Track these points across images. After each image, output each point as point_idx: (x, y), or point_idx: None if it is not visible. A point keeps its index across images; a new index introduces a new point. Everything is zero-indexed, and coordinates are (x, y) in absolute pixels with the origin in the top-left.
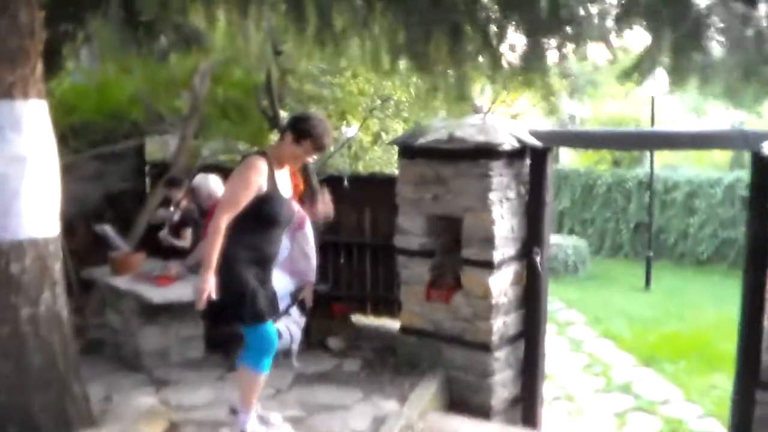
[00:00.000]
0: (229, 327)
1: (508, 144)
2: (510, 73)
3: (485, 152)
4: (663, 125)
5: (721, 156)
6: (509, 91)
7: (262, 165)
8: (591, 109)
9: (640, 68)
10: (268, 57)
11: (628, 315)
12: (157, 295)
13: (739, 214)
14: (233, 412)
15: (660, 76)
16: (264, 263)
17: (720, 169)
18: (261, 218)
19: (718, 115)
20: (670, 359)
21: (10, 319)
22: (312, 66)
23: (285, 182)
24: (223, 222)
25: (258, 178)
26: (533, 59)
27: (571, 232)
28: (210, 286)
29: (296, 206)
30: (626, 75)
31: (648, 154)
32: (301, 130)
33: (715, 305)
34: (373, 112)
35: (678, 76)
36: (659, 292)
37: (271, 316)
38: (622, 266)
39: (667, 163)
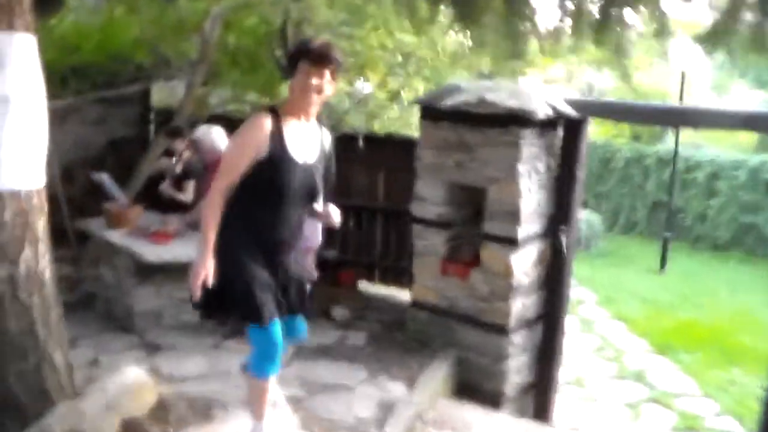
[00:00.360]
0: (226, 320)
1: (543, 112)
2: (581, 28)
3: (517, 119)
4: (690, 101)
5: (746, 137)
6: (553, 53)
7: (263, 122)
8: (612, 80)
9: (719, 31)
10: (285, 2)
11: (641, 297)
12: (152, 253)
13: (763, 199)
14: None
15: (692, 48)
16: (272, 247)
17: (744, 151)
18: (263, 188)
19: (741, 94)
20: (685, 348)
21: None
22: (331, 15)
23: (304, 142)
24: (218, 193)
25: (257, 137)
26: (610, 15)
27: (585, 205)
28: (206, 269)
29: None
30: (704, 39)
31: (670, 130)
32: (292, 54)
33: (732, 293)
34: (393, 68)
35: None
36: (674, 275)
37: (277, 315)
38: (635, 245)
39: (688, 142)
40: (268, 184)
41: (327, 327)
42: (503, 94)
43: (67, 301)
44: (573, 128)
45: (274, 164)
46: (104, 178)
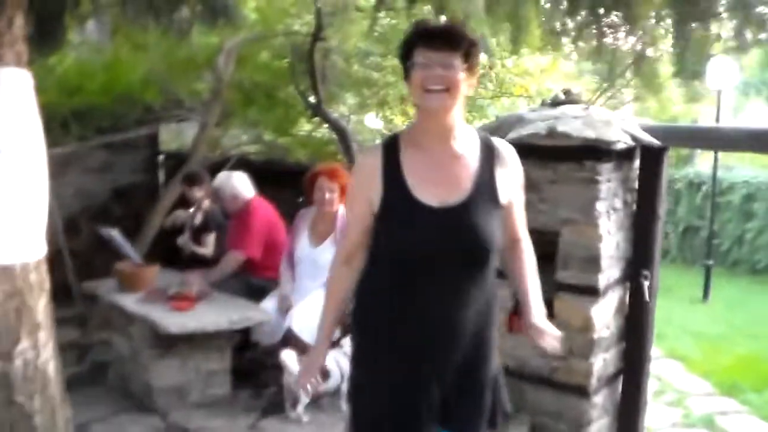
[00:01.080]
0: None
1: (623, 142)
2: None
3: (593, 151)
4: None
5: None
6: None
7: (370, 159)
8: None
9: None
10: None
11: (691, 331)
12: (174, 322)
13: None
14: None
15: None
16: (408, 338)
17: None
18: (385, 252)
19: (756, 114)
20: (752, 387)
21: None
22: (363, 44)
23: (443, 175)
24: (338, 263)
25: (362, 179)
26: None
27: None
28: (319, 364)
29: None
30: None
31: (698, 151)
32: (404, 43)
33: None
34: None
35: None
36: (719, 305)
37: None
38: (671, 273)
39: (720, 163)
40: (388, 245)
41: None
42: (577, 123)
43: (74, 373)
44: (652, 158)
45: (391, 214)
46: (113, 233)
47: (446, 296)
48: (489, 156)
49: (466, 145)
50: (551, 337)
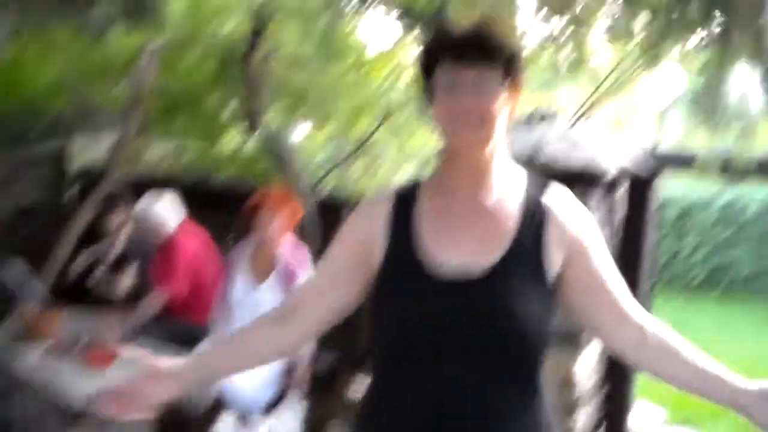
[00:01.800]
0: None
1: (614, 169)
2: None
3: (581, 179)
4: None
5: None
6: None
7: (373, 207)
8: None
9: None
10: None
11: None
12: (85, 388)
13: (734, 237)
14: None
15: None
16: None
17: (712, 186)
18: (378, 333)
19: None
20: (706, 416)
21: None
22: (301, 49)
23: (468, 234)
24: (268, 316)
25: (355, 229)
26: None
27: None
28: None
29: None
30: None
31: None
32: (425, 55)
33: (724, 340)
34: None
35: None
36: None
37: None
38: None
39: None
40: (380, 324)
41: None
42: (562, 145)
43: None
44: (641, 186)
45: (388, 281)
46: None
47: (465, 412)
48: (536, 210)
49: (508, 192)
50: None
